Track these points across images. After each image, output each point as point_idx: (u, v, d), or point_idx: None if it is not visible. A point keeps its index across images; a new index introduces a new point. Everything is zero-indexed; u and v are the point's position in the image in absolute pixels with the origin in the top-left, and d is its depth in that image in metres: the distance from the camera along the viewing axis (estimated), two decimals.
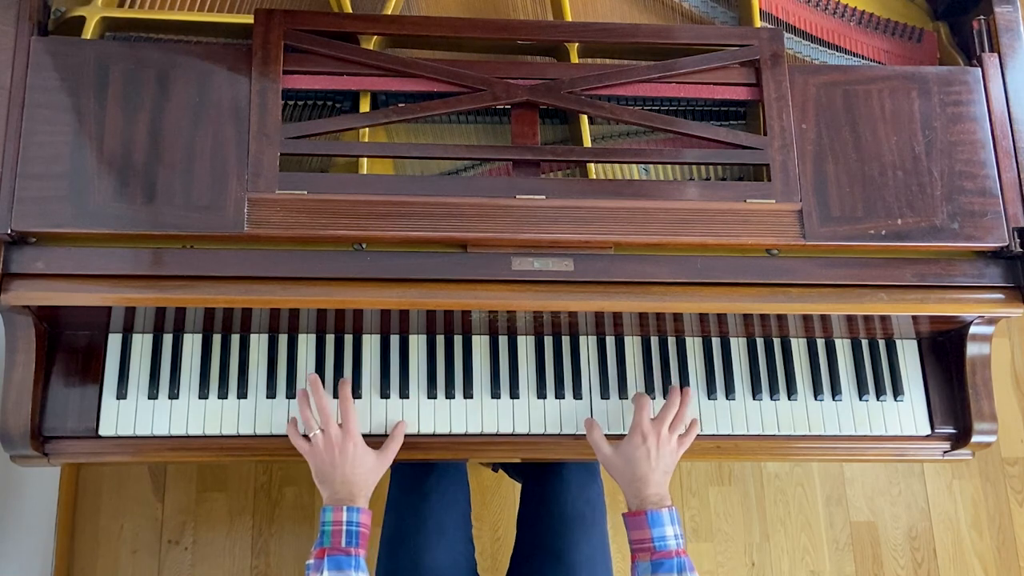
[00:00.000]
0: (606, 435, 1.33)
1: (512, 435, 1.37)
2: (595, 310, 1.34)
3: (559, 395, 1.39)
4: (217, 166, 1.23)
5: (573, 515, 1.44)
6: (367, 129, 1.32)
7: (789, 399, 1.42)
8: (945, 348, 1.45)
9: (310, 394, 1.30)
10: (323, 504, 1.24)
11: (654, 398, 1.40)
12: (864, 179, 1.32)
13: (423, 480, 1.47)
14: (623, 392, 1.40)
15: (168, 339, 1.36)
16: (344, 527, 1.20)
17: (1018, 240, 1.31)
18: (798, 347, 1.45)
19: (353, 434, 1.27)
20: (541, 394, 1.39)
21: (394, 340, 1.40)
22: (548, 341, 1.42)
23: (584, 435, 1.34)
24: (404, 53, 1.38)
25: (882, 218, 1.31)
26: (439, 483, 1.46)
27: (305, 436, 1.29)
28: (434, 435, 1.36)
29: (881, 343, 1.46)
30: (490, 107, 1.34)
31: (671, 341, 1.44)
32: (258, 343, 1.38)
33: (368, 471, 1.26)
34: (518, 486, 1.68)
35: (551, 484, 1.49)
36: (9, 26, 1.24)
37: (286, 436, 1.33)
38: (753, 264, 1.29)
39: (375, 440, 1.32)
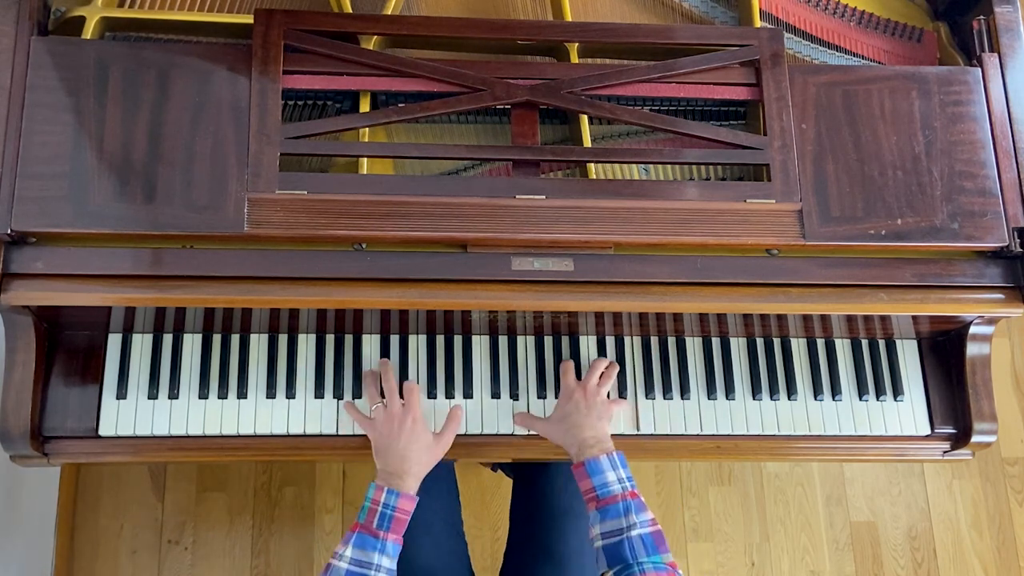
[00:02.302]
0: (611, 435, 1.33)
1: (512, 435, 1.37)
2: (595, 310, 1.34)
3: (559, 395, 1.39)
4: (217, 166, 1.23)
5: (562, 508, 1.45)
6: (367, 129, 1.32)
7: (789, 399, 1.42)
8: (945, 348, 1.45)
9: (380, 373, 1.34)
10: (374, 478, 1.25)
11: (654, 398, 1.40)
12: (864, 179, 1.32)
13: None
14: (623, 392, 1.40)
15: (168, 339, 1.36)
16: (380, 508, 1.21)
17: (1018, 240, 1.31)
18: (798, 347, 1.45)
19: (414, 410, 1.30)
20: (541, 394, 1.39)
21: (394, 340, 1.40)
22: (548, 341, 1.42)
23: None
24: (404, 53, 1.38)
25: (882, 218, 1.31)
26: (425, 483, 1.46)
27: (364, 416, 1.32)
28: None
29: (881, 343, 1.46)
30: (490, 107, 1.34)
31: (671, 341, 1.44)
32: (258, 343, 1.38)
33: (424, 448, 1.28)
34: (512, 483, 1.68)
35: (540, 478, 1.49)
36: (9, 26, 1.24)
37: (286, 436, 1.34)
38: (753, 264, 1.29)
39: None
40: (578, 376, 1.37)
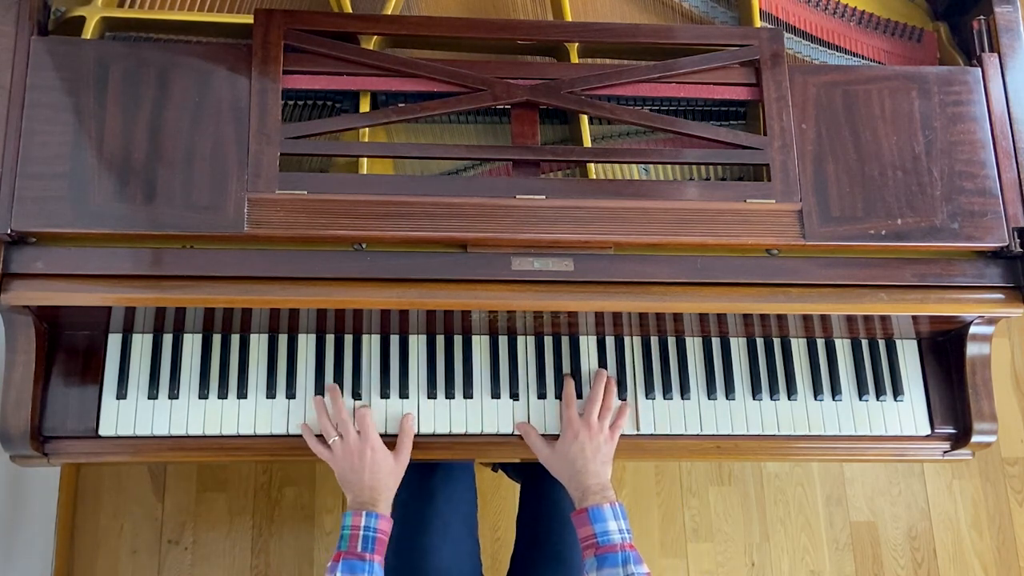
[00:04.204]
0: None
1: (512, 435, 1.37)
2: (595, 310, 1.34)
3: (559, 395, 1.39)
4: (217, 166, 1.23)
5: (571, 513, 1.44)
6: (367, 129, 1.32)
7: (789, 399, 1.42)
8: (945, 348, 1.45)
9: (328, 402, 1.32)
10: (345, 508, 1.26)
11: (654, 399, 1.40)
12: (864, 179, 1.32)
13: (429, 480, 1.47)
14: (623, 392, 1.40)
15: (168, 339, 1.36)
16: (361, 532, 1.22)
17: (1018, 240, 1.31)
18: (798, 347, 1.45)
19: (371, 439, 1.29)
20: (541, 394, 1.39)
21: (394, 340, 1.40)
22: (548, 341, 1.42)
23: None
24: (404, 53, 1.38)
25: (882, 218, 1.31)
26: (445, 483, 1.46)
27: (323, 442, 1.31)
28: (434, 435, 1.36)
29: (881, 343, 1.46)
30: (490, 107, 1.34)
31: (671, 341, 1.44)
32: (258, 343, 1.37)
33: (387, 474, 1.28)
34: (518, 486, 1.68)
35: (550, 484, 1.49)
36: (9, 26, 1.24)
37: (286, 436, 1.34)
38: (753, 264, 1.29)
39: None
40: (578, 369, 1.37)
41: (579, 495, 1.27)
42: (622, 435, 1.37)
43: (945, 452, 1.45)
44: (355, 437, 1.30)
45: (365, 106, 1.34)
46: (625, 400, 1.40)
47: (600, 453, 1.30)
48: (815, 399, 1.43)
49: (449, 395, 1.38)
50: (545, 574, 1.42)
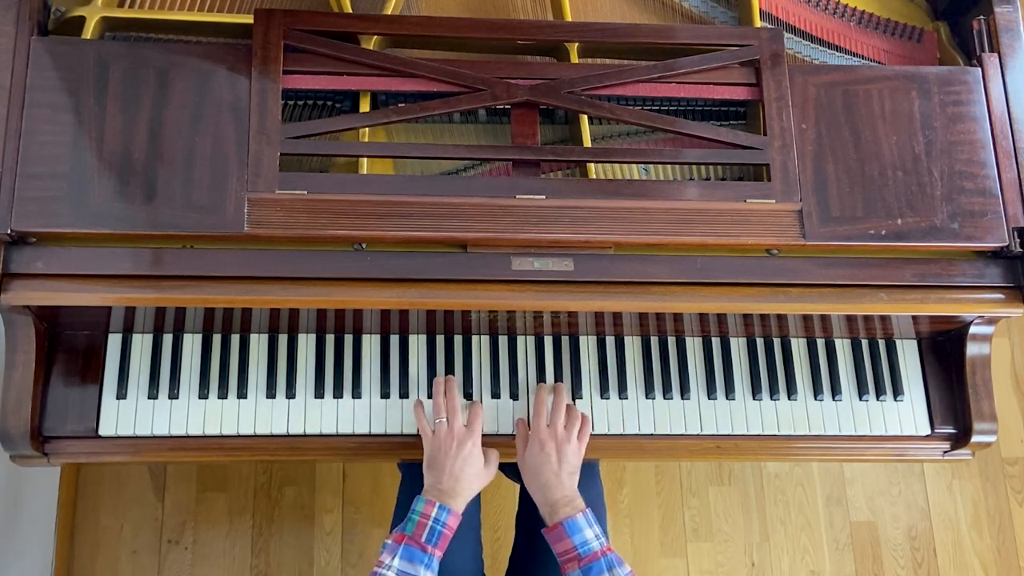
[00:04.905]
0: (606, 435, 1.33)
1: (512, 435, 1.37)
2: (595, 310, 1.34)
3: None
4: (217, 166, 1.23)
5: None
6: (367, 129, 1.32)
7: (789, 399, 1.42)
8: (945, 348, 1.45)
9: (446, 389, 1.33)
10: (422, 492, 1.25)
11: (653, 399, 1.40)
12: (864, 179, 1.32)
13: None
14: (623, 392, 1.40)
15: (168, 339, 1.36)
16: (431, 522, 1.21)
17: (1018, 240, 1.31)
18: (798, 347, 1.45)
19: (475, 434, 1.30)
20: None
21: (394, 340, 1.40)
22: (548, 341, 1.42)
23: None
24: (404, 53, 1.38)
25: (882, 218, 1.31)
26: None
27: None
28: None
29: (881, 343, 1.46)
30: (490, 107, 1.34)
31: (671, 341, 1.44)
32: (258, 343, 1.37)
33: (475, 474, 1.28)
34: (517, 486, 1.68)
35: None
36: (9, 26, 1.24)
37: (286, 436, 1.34)
38: (753, 264, 1.29)
39: (378, 439, 1.33)
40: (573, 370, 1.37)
41: (548, 510, 1.26)
42: (623, 435, 1.37)
43: (945, 452, 1.45)
44: (461, 426, 1.30)
45: (365, 106, 1.34)
46: (627, 399, 1.40)
47: (567, 464, 1.29)
48: (815, 399, 1.43)
49: None
50: (545, 572, 1.42)
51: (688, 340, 1.44)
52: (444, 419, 1.31)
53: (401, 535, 1.20)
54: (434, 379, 1.35)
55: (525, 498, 1.56)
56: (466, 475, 1.27)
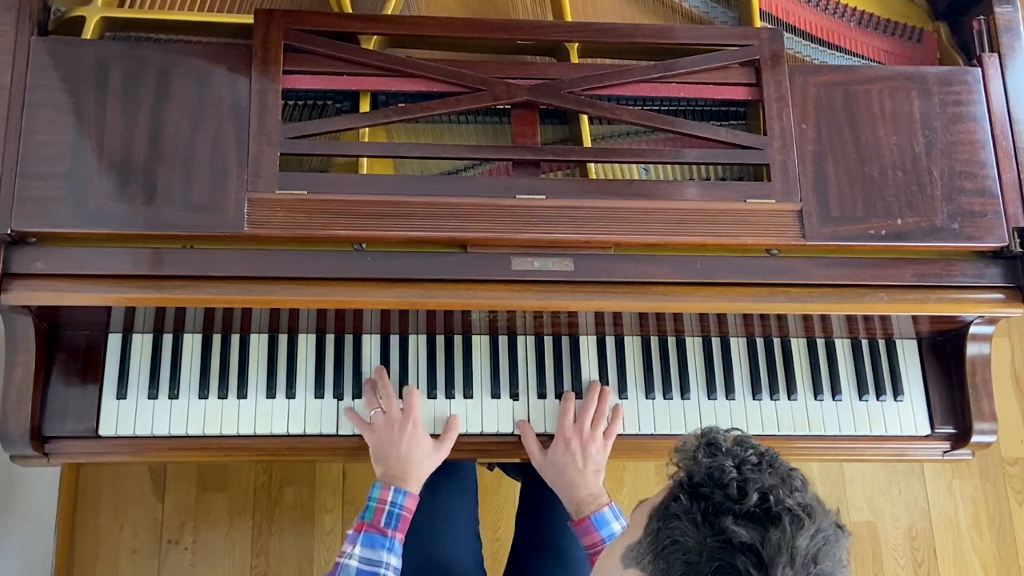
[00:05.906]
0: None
1: (512, 435, 1.37)
2: (595, 310, 1.34)
3: (559, 395, 1.39)
4: (217, 166, 1.23)
5: None
6: (367, 129, 1.32)
7: (789, 399, 1.42)
8: (945, 348, 1.45)
9: (376, 380, 1.34)
10: (375, 480, 1.25)
11: (653, 399, 1.40)
12: (864, 179, 1.32)
13: (433, 476, 1.47)
14: (623, 392, 1.40)
15: (168, 339, 1.36)
16: (387, 507, 1.21)
17: (1018, 240, 1.31)
18: (798, 347, 1.45)
19: (414, 415, 1.29)
20: (541, 394, 1.39)
21: (394, 340, 1.40)
22: (548, 341, 1.42)
23: None
24: (404, 53, 1.38)
25: (882, 218, 1.31)
26: (448, 479, 1.46)
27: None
28: (434, 435, 1.36)
29: (881, 343, 1.46)
30: (490, 107, 1.34)
31: (671, 341, 1.44)
32: (258, 343, 1.37)
33: (424, 455, 1.28)
34: (517, 485, 1.68)
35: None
36: (9, 26, 1.24)
37: (286, 436, 1.34)
38: (753, 264, 1.29)
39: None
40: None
41: (573, 508, 1.27)
42: (622, 435, 1.37)
43: (945, 452, 1.45)
44: (397, 411, 1.30)
45: (365, 106, 1.33)
46: (627, 399, 1.40)
47: (592, 462, 1.30)
48: (815, 399, 1.43)
49: (449, 395, 1.38)
50: (544, 568, 1.42)
51: (688, 340, 1.44)
52: (378, 409, 1.31)
53: (360, 523, 1.21)
54: (363, 379, 1.35)
55: (525, 497, 1.57)
56: (415, 456, 1.27)
